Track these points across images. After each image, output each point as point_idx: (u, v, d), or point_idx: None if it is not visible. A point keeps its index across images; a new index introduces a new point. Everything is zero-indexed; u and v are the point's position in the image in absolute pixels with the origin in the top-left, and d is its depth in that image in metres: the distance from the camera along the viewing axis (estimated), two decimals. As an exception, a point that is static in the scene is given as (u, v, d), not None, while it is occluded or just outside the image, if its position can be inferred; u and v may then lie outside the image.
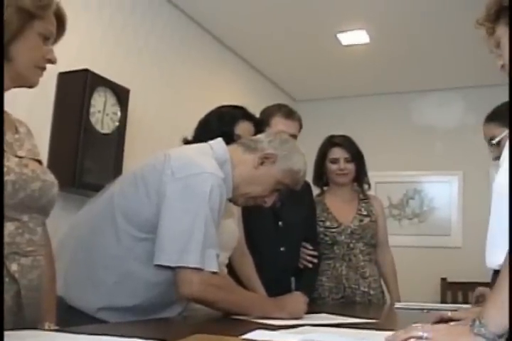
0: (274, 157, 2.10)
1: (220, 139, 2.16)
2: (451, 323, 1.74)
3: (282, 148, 2.14)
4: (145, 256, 1.88)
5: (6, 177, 1.43)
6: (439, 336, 1.26)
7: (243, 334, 1.35)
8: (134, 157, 3.77)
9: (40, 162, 1.66)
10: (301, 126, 3.12)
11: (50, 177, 1.64)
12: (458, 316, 1.82)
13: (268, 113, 3.10)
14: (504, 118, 2.37)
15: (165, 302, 2.01)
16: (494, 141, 2.51)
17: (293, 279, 3.11)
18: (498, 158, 2.35)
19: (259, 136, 2.26)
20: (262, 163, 2.10)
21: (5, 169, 1.44)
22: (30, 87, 1.61)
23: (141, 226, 1.91)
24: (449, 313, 1.89)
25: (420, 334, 1.26)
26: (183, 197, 1.85)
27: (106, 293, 1.92)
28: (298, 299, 2.06)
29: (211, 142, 2.14)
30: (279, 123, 2.99)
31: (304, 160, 2.19)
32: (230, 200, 2.12)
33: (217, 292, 1.87)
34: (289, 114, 3.07)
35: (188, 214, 1.84)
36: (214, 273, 1.86)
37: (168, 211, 1.85)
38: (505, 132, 2.37)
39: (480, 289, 2.92)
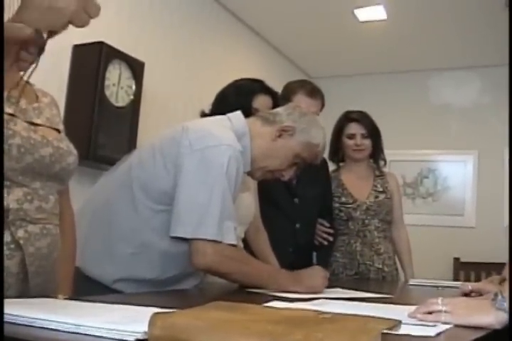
0: (293, 129, 2.07)
1: (238, 112, 2.13)
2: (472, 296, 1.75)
3: (301, 121, 2.11)
4: (162, 227, 1.87)
5: (11, 141, 1.43)
6: (459, 309, 1.25)
7: (260, 304, 1.34)
8: (148, 130, 3.76)
9: (58, 131, 1.65)
10: (323, 105, 3.09)
11: (67, 145, 1.63)
12: (478, 287, 1.82)
13: (290, 89, 3.07)
14: None
15: (181, 275, 2.00)
16: None
17: (315, 254, 3.09)
18: None
19: (277, 109, 2.22)
20: (280, 136, 2.07)
21: (10, 132, 1.43)
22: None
23: (159, 198, 1.90)
24: (469, 286, 1.88)
25: (440, 308, 1.25)
26: (200, 169, 1.84)
27: (123, 265, 1.92)
28: (317, 273, 2.03)
29: (230, 114, 2.11)
30: (301, 101, 2.94)
31: (323, 134, 2.16)
32: (248, 173, 2.10)
33: (231, 263, 1.86)
34: (312, 92, 3.04)
35: (205, 186, 1.82)
36: (232, 245, 1.85)
37: (185, 183, 1.83)
38: None
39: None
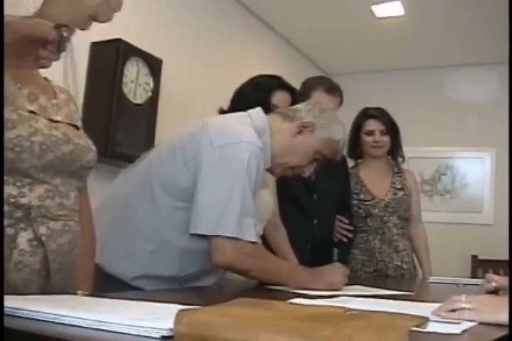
0: (313, 126, 2.07)
1: (258, 108, 2.12)
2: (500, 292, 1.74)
3: (321, 117, 2.10)
4: (182, 224, 1.86)
5: (33, 138, 1.44)
6: (483, 306, 1.25)
7: (281, 301, 1.33)
8: (166, 127, 3.76)
9: (77, 127, 1.65)
10: (341, 101, 3.08)
11: (87, 142, 1.64)
12: (502, 283, 1.81)
13: (309, 86, 3.07)
14: None
15: (201, 272, 2.00)
16: None
17: (336, 250, 3.08)
18: None
19: (298, 105, 2.22)
20: (300, 132, 2.07)
21: (31, 130, 1.44)
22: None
23: (179, 195, 1.90)
24: (493, 283, 1.87)
25: (463, 305, 1.24)
26: (221, 166, 1.83)
27: (143, 262, 1.92)
28: (336, 270, 2.02)
29: (250, 111, 2.11)
30: (320, 98, 2.94)
31: (343, 130, 2.15)
32: (268, 170, 2.09)
33: (250, 260, 1.85)
34: (331, 88, 3.04)
35: (225, 183, 1.82)
36: (252, 242, 1.84)
37: (205, 179, 1.83)
38: None
39: None
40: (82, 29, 1.52)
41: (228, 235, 1.78)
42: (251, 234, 1.83)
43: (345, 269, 2.06)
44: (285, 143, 2.06)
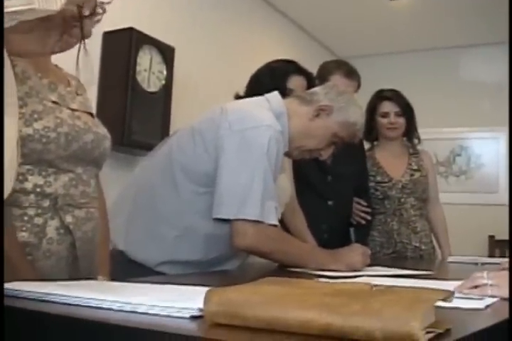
0: (330, 109, 2.07)
1: (276, 92, 2.13)
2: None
3: (338, 100, 2.10)
4: (206, 209, 1.88)
5: (59, 129, 1.45)
6: (505, 282, 1.25)
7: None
8: (181, 115, 3.77)
9: (92, 115, 1.67)
10: (359, 86, 3.09)
11: (103, 130, 1.66)
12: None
13: (327, 70, 3.08)
14: None
15: (225, 256, 2.02)
16: None
17: (352, 230, 3.09)
18: None
19: (315, 88, 2.22)
20: (317, 115, 2.07)
21: (58, 121, 1.46)
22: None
23: (201, 180, 1.91)
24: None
25: (485, 282, 1.25)
26: (241, 150, 1.84)
27: (167, 248, 1.94)
28: (356, 250, 2.03)
29: (267, 95, 2.11)
30: (338, 81, 2.94)
31: (360, 113, 2.17)
32: (285, 153, 2.10)
33: (271, 243, 1.87)
34: (349, 72, 3.05)
35: (247, 167, 1.83)
36: (274, 225, 1.86)
37: (226, 164, 1.84)
38: None
39: None
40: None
41: (250, 218, 1.79)
42: (272, 217, 1.85)
43: (366, 249, 2.07)
44: (303, 126, 2.07)
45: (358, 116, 2.13)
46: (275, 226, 1.87)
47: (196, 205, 1.92)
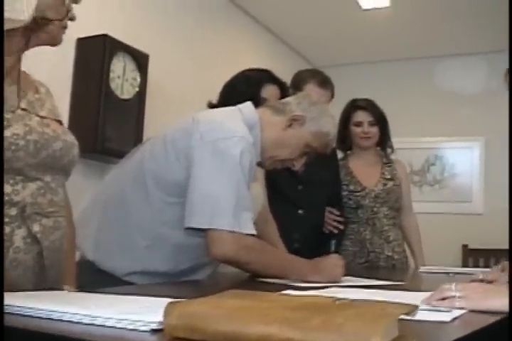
0: (303, 119, 2.07)
1: (249, 103, 2.12)
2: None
3: (311, 110, 2.10)
4: (176, 220, 1.86)
5: (28, 137, 1.44)
6: (473, 294, 1.25)
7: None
8: (154, 122, 3.76)
9: (60, 122, 1.65)
10: (333, 95, 3.09)
11: (71, 137, 1.64)
12: (489, 277, 1.81)
13: (301, 78, 3.08)
14: None
15: (196, 266, 2.00)
16: None
17: (333, 242, 3.08)
18: None
19: (288, 98, 2.22)
20: (290, 125, 2.07)
21: (26, 128, 1.44)
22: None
23: (171, 190, 1.90)
24: (480, 275, 1.87)
25: (453, 293, 1.25)
26: (213, 161, 1.83)
27: (137, 257, 1.91)
28: (335, 262, 2.00)
29: (240, 106, 2.10)
30: (312, 91, 2.95)
31: (333, 123, 2.16)
32: (258, 163, 2.09)
33: (250, 253, 1.85)
34: (323, 82, 3.05)
35: (219, 177, 1.81)
36: (251, 235, 1.84)
37: (197, 174, 1.83)
38: None
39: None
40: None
41: (225, 228, 1.77)
42: (249, 226, 1.83)
43: (343, 261, 2.05)
44: (275, 136, 2.06)
45: (330, 126, 2.13)
46: (253, 235, 1.85)
47: (166, 215, 1.90)
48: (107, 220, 1.99)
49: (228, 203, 1.79)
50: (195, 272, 2.02)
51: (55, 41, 1.56)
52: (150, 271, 1.92)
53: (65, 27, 1.56)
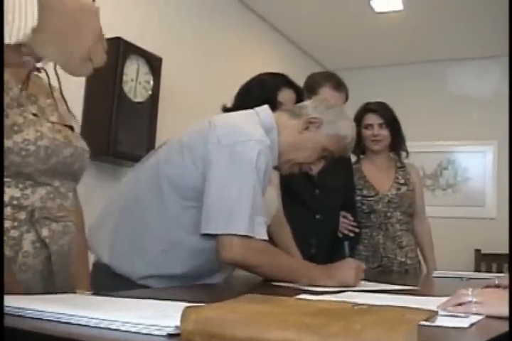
0: (320, 121, 2.05)
1: (266, 106, 2.11)
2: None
3: (328, 113, 2.08)
4: (192, 224, 1.85)
5: (39, 143, 1.43)
6: (490, 300, 1.24)
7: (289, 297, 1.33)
8: (167, 125, 3.76)
9: (71, 128, 1.65)
10: (347, 98, 3.08)
11: (82, 143, 1.64)
12: (505, 282, 1.79)
13: (316, 81, 3.07)
14: None
15: (211, 270, 1.99)
16: None
17: (346, 243, 3.06)
18: None
19: (304, 102, 2.21)
20: (306, 128, 2.05)
21: (38, 134, 1.44)
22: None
23: (188, 194, 1.89)
24: (496, 280, 1.85)
25: (470, 299, 1.24)
26: (230, 165, 1.82)
27: (153, 261, 1.90)
28: (349, 266, 1.98)
29: (257, 109, 2.09)
30: (327, 94, 2.95)
31: (351, 126, 2.14)
32: (275, 167, 2.08)
33: (259, 256, 1.84)
34: (338, 85, 3.04)
35: (235, 182, 1.81)
36: (264, 240, 1.83)
37: (214, 179, 1.82)
38: None
39: None
40: (77, 75, 1.52)
41: (239, 233, 1.77)
42: (262, 232, 1.83)
43: (359, 264, 2.03)
44: (292, 139, 2.05)
45: (348, 129, 2.11)
46: (265, 241, 1.84)
47: (183, 219, 1.89)
48: (123, 224, 1.98)
49: (244, 208, 1.78)
50: (211, 275, 2.01)
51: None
52: (166, 275, 1.91)
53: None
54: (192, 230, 1.85)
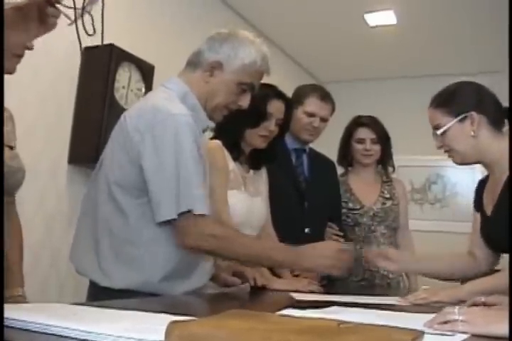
0: (219, 63, 2.00)
1: (172, 76, 2.08)
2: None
3: (224, 49, 2.02)
4: (154, 220, 1.83)
5: None
6: (476, 318, 1.24)
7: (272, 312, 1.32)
8: (158, 134, 3.74)
9: (11, 147, 1.66)
10: (333, 110, 3.10)
11: (18, 162, 1.67)
12: (491, 301, 1.78)
13: (302, 92, 3.10)
14: (452, 106, 2.24)
15: (195, 261, 1.96)
16: (439, 132, 2.35)
17: None
18: (441, 147, 2.29)
19: (199, 47, 2.12)
20: (212, 75, 2.01)
21: None
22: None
23: (138, 192, 1.86)
24: (483, 298, 1.85)
25: (456, 317, 1.23)
26: (156, 149, 1.80)
27: (138, 267, 1.86)
28: (323, 253, 1.96)
29: (164, 82, 2.07)
30: (313, 104, 3.01)
31: (254, 49, 2.04)
32: (210, 118, 2.05)
33: (212, 241, 1.81)
34: (324, 96, 3.07)
35: (168, 163, 1.79)
36: (203, 214, 1.80)
37: (148, 167, 1.80)
38: (451, 122, 2.23)
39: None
40: None
41: (186, 209, 1.76)
42: (202, 206, 1.80)
43: (337, 251, 1.99)
44: (205, 90, 2.01)
45: (251, 54, 2.03)
46: (204, 215, 1.80)
47: (145, 218, 1.85)
48: (99, 242, 1.92)
49: (185, 186, 1.78)
50: (193, 274, 1.96)
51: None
52: (157, 279, 1.87)
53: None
54: (157, 225, 1.83)
